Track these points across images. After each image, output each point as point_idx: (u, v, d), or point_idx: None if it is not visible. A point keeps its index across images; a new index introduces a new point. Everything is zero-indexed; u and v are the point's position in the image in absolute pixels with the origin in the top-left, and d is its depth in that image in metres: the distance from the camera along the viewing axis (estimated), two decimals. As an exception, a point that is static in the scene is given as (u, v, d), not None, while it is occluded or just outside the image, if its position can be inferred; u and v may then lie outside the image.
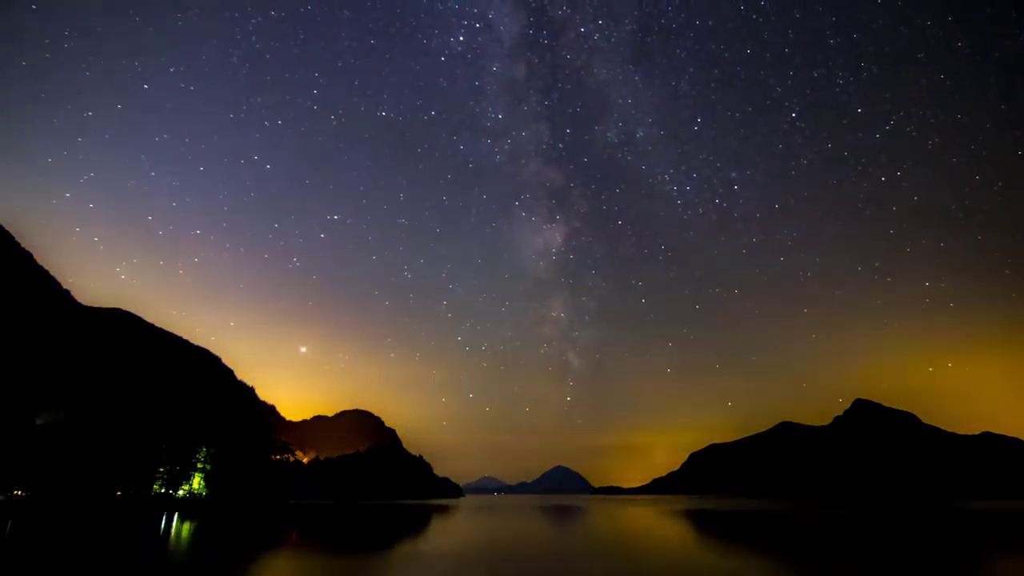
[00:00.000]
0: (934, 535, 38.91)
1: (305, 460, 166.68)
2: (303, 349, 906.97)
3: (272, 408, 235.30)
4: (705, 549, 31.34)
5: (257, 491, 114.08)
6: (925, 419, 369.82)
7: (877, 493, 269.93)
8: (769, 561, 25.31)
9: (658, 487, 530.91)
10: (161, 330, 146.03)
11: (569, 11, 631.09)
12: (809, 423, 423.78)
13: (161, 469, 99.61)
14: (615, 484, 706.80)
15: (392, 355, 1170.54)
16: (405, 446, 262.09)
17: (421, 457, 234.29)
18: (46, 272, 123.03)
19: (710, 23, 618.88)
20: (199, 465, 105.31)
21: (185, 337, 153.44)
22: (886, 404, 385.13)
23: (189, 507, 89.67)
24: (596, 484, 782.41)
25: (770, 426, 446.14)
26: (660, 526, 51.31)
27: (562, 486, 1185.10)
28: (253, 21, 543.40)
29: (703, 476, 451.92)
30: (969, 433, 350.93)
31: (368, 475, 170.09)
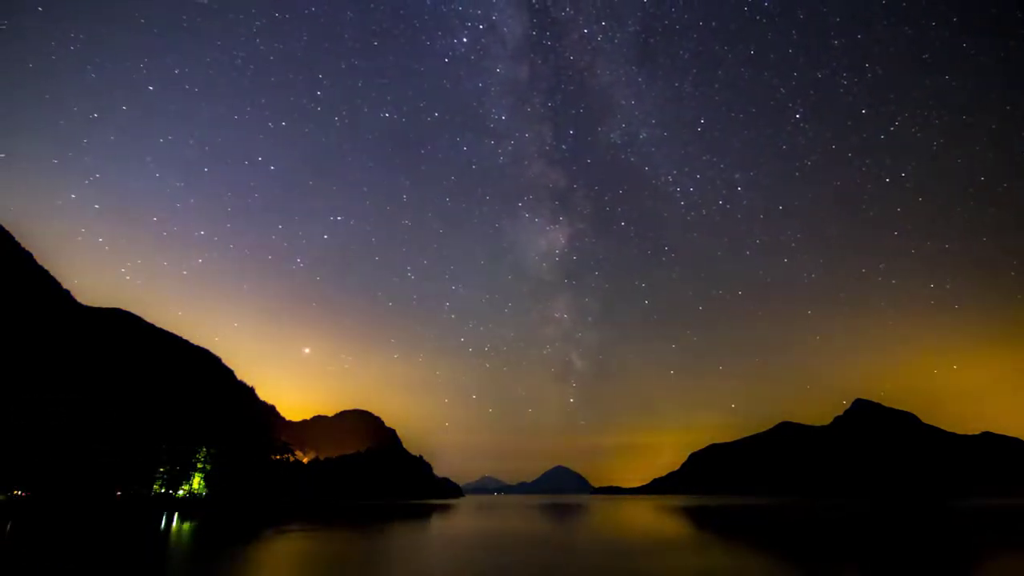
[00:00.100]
0: (935, 532, 38.93)
1: (305, 460, 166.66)
2: (306, 350, 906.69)
3: (272, 408, 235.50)
4: (703, 541, 31.43)
5: (257, 491, 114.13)
6: (925, 419, 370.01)
7: (877, 492, 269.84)
8: (770, 555, 25.34)
9: (658, 487, 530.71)
10: (161, 330, 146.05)
11: (572, 12, 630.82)
12: (809, 423, 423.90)
13: (161, 469, 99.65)
14: (615, 484, 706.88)
15: (395, 356, 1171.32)
16: (405, 446, 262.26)
17: (421, 457, 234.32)
18: (46, 272, 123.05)
19: (713, 24, 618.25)
20: (199, 465, 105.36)
21: (186, 337, 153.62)
22: (886, 404, 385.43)
23: (189, 507, 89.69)
24: (596, 484, 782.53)
25: (770, 426, 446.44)
26: (659, 521, 51.42)
27: (562, 486, 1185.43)
28: (257, 23, 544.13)
29: (703, 476, 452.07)
30: (969, 433, 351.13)
31: (368, 475, 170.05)
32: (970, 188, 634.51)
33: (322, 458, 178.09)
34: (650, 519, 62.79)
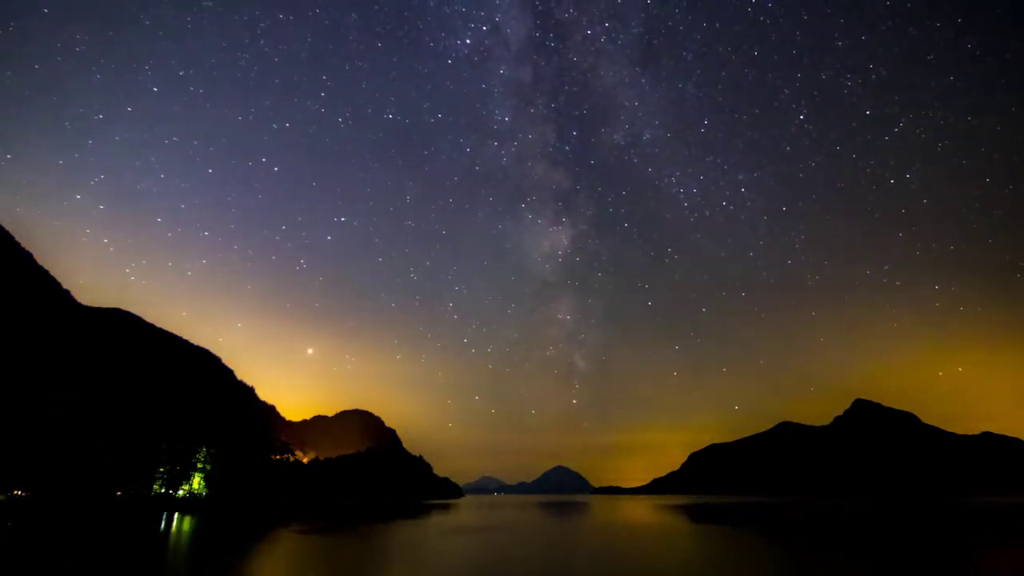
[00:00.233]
0: (935, 531, 38.94)
1: (305, 460, 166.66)
2: (310, 351, 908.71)
3: (272, 408, 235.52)
4: (703, 540, 31.44)
5: (257, 491, 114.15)
6: (925, 419, 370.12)
7: (877, 492, 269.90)
8: (770, 555, 25.37)
9: (658, 487, 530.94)
10: (161, 330, 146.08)
11: (576, 13, 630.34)
12: (809, 423, 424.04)
13: (161, 469, 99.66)
14: (615, 484, 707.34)
15: (398, 356, 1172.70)
16: (405, 446, 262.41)
17: (421, 457, 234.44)
18: (46, 272, 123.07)
19: (717, 25, 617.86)
20: (199, 465, 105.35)
21: (188, 338, 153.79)
22: (886, 404, 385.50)
23: (189, 507, 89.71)
24: (596, 484, 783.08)
25: (770, 426, 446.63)
26: (658, 518, 51.47)
27: (562, 486, 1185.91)
28: (262, 24, 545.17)
29: (703, 476, 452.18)
30: (969, 433, 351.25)
31: (368, 475, 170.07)
32: (976, 189, 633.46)
33: (322, 458, 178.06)
34: (649, 517, 62.83)
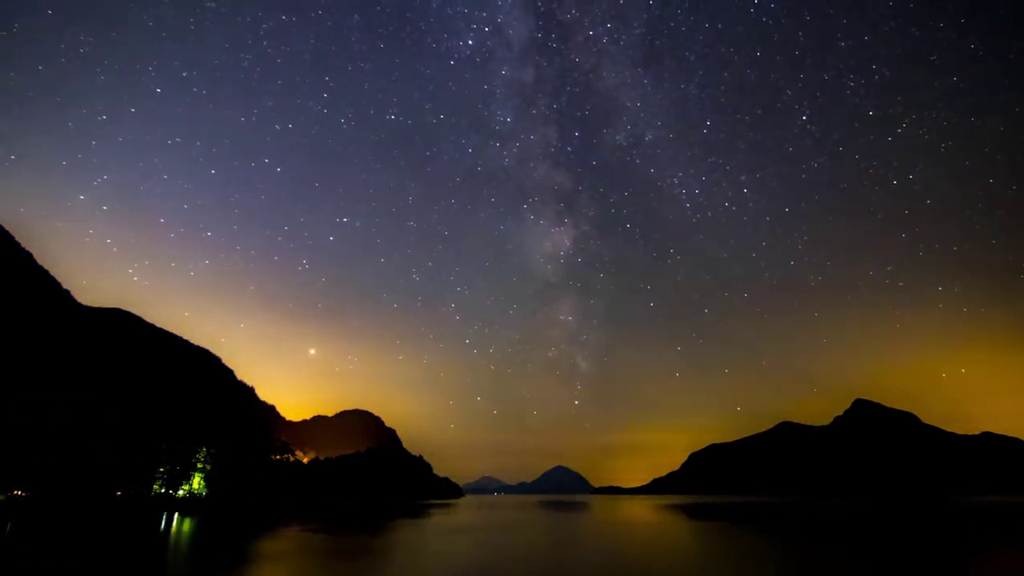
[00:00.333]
0: (934, 529, 38.92)
1: (305, 460, 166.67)
2: (312, 351, 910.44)
3: (272, 408, 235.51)
4: (703, 538, 31.43)
5: (257, 491, 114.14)
6: (925, 419, 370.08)
7: (877, 492, 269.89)
8: (771, 551, 25.36)
9: (658, 487, 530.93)
10: (161, 330, 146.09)
11: (578, 14, 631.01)
12: (809, 423, 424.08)
13: (161, 469, 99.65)
14: (615, 484, 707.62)
15: (400, 357, 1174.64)
16: (405, 446, 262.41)
17: (421, 457, 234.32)
18: (46, 272, 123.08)
19: (719, 26, 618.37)
20: (199, 465, 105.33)
21: (190, 338, 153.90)
22: (886, 404, 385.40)
23: (189, 507, 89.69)
24: (596, 484, 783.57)
25: (770, 426, 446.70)
26: (659, 517, 51.45)
27: (562, 486, 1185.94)
28: (264, 26, 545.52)
29: (703, 476, 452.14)
30: (969, 433, 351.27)
31: (368, 475, 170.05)
32: (980, 190, 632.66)
33: (322, 458, 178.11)
34: (649, 516, 62.82)
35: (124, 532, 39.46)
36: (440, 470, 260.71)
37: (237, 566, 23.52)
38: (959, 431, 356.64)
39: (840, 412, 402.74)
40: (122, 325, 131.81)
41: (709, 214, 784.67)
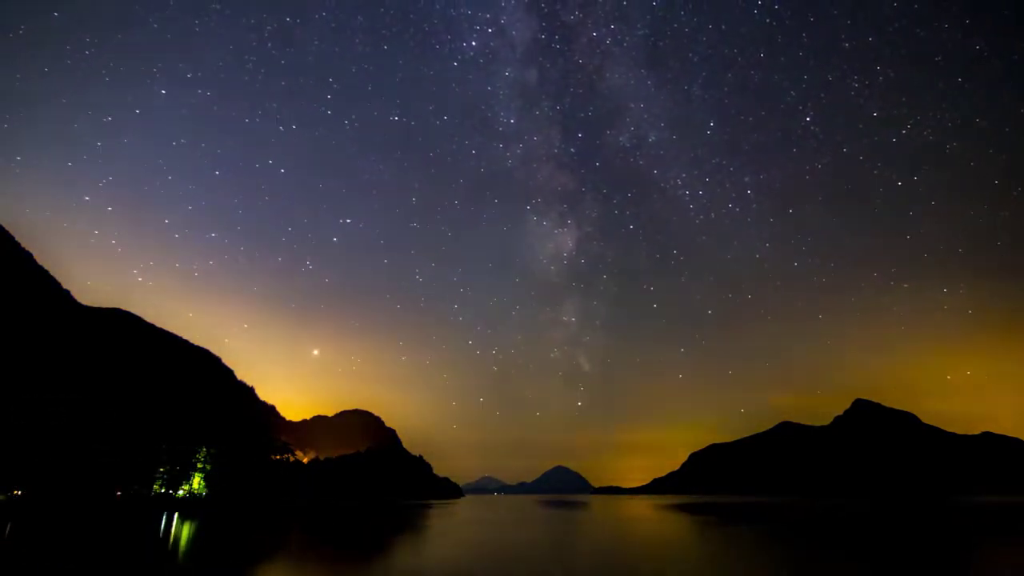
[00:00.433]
0: (934, 528, 38.90)
1: (305, 460, 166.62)
2: (316, 351, 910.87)
3: (272, 408, 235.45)
4: (703, 537, 31.41)
5: (257, 491, 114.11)
6: (925, 419, 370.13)
7: (877, 492, 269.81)
8: (771, 551, 25.34)
9: (658, 487, 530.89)
10: (161, 330, 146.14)
11: (581, 16, 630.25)
12: (809, 423, 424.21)
13: (161, 469, 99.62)
14: (615, 484, 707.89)
15: (403, 358, 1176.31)
16: (405, 446, 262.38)
17: (421, 457, 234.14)
18: (46, 272, 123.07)
19: (723, 27, 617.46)
20: (199, 465, 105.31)
21: (193, 338, 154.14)
22: (886, 404, 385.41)
23: (189, 507, 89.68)
24: (596, 484, 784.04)
25: (770, 426, 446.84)
26: (659, 516, 51.43)
27: (562, 486, 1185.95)
28: (268, 28, 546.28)
29: (703, 476, 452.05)
30: (969, 433, 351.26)
31: (368, 475, 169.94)
32: (984, 191, 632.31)
33: (322, 458, 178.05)
34: (649, 516, 62.83)
35: (124, 532, 39.45)
36: (440, 470, 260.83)
37: (237, 566, 23.52)
38: (959, 431, 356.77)
39: (840, 412, 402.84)
40: (122, 325, 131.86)
41: (712, 215, 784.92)
